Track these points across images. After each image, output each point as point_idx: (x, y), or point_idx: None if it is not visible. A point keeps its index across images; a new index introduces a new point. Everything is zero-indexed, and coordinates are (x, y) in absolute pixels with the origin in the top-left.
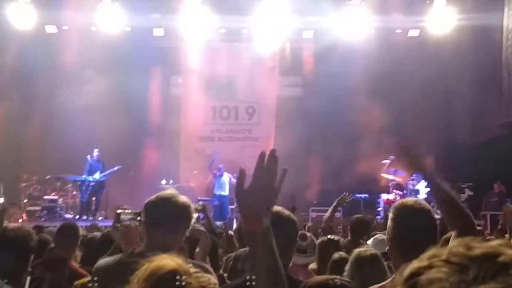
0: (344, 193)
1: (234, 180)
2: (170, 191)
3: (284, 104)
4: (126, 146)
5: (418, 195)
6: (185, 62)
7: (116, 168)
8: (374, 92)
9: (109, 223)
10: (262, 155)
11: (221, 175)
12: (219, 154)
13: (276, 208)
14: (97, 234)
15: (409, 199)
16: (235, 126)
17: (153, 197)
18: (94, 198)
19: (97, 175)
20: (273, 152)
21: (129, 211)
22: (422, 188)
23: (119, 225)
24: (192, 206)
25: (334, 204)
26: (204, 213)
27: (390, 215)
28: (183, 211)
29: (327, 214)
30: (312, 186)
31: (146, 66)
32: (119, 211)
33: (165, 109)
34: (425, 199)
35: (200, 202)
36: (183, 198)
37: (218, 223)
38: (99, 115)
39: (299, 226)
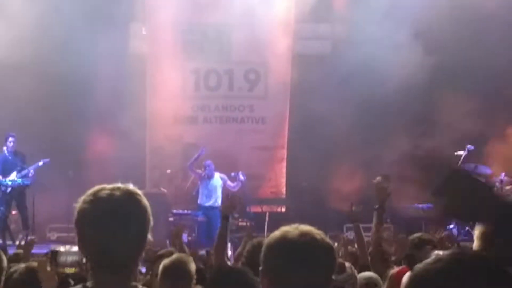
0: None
1: (230, 184)
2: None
3: (304, 67)
4: (62, 132)
5: None
6: (152, 4)
7: (41, 162)
8: (439, 47)
9: (38, 249)
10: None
11: (209, 177)
12: (205, 149)
13: (305, 228)
14: (22, 267)
15: None
16: (229, 100)
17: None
18: (14, 212)
19: (13, 176)
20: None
21: (70, 247)
22: None
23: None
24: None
25: (375, 219)
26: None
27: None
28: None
29: (373, 231)
30: (347, 193)
31: (92, 13)
32: (53, 247)
33: (121, 77)
34: None
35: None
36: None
37: (202, 252)
38: (20, 85)
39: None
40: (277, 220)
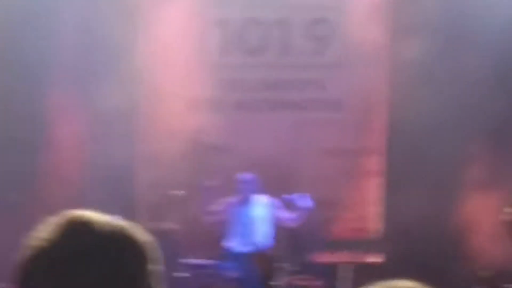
0: None
1: (285, 216)
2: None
3: (410, 15)
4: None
5: None
6: None
7: None
8: None
9: None
10: None
11: (246, 202)
12: (213, 187)
13: (410, 286)
14: None
15: None
16: (281, 71)
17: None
18: None
19: None
20: None
21: None
22: None
23: None
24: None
25: None
26: None
27: None
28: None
29: None
30: (485, 234)
31: None
32: None
33: (96, 29)
34: None
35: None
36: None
37: None
38: None
39: None
40: (366, 277)
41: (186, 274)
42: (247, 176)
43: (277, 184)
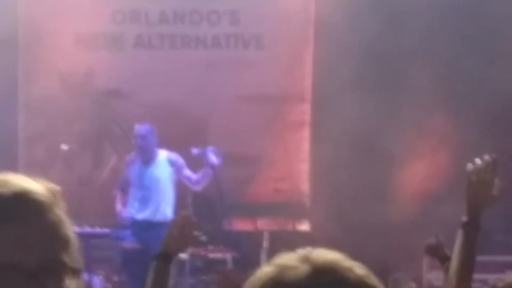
0: None
1: (188, 175)
2: None
3: None
4: None
5: None
6: None
7: None
8: None
9: None
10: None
11: (145, 160)
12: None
13: (325, 258)
14: None
15: None
16: (187, 0)
17: None
18: None
19: None
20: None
21: None
22: None
23: None
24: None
25: (460, 241)
26: None
27: None
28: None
29: (454, 262)
30: (428, 197)
31: None
32: None
33: None
34: None
35: None
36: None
37: None
38: None
39: None
40: (288, 248)
41: None
42: (144, 127)
43: (183, 137)
